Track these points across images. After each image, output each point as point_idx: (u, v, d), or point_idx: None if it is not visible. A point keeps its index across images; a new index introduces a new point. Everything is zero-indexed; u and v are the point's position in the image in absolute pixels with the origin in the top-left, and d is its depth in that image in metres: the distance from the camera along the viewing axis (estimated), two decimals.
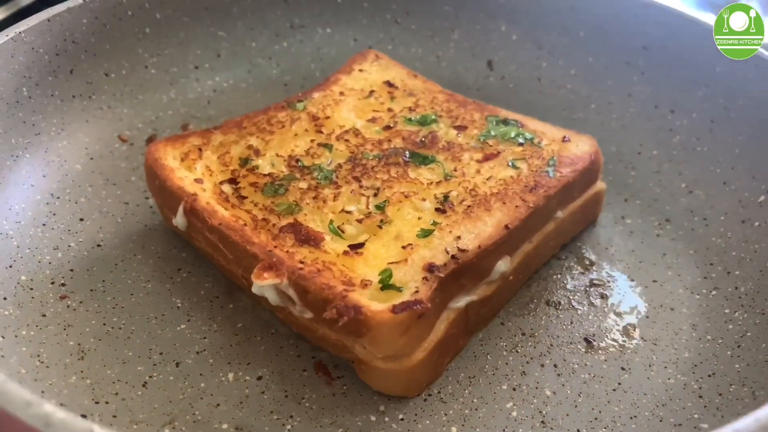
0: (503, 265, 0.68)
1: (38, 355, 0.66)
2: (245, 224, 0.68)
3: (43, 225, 0.78)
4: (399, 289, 0.62)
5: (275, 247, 0.66)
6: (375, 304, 0.61)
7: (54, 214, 0.79)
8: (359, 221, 0.69)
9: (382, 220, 0.69)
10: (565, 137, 0.79)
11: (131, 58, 0.93)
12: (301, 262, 0.64)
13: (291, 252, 0.65)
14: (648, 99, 0.93)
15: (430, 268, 0.64)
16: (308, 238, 0.67)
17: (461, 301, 0.67)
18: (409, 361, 0.63)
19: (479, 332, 0.71)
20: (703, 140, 0.87)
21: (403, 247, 0.66)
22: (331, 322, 0.62)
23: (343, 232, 0.68)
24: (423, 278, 0.63)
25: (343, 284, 0.62)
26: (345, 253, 0.66)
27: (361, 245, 0.66)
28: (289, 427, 0.62)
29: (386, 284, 0.62)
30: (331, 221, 0.69)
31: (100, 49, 0.90)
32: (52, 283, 0.73)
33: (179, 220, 0.72)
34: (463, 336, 0.69)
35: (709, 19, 0.89)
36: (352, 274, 0.64)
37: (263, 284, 0.63)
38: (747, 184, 0.81)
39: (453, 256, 0.65)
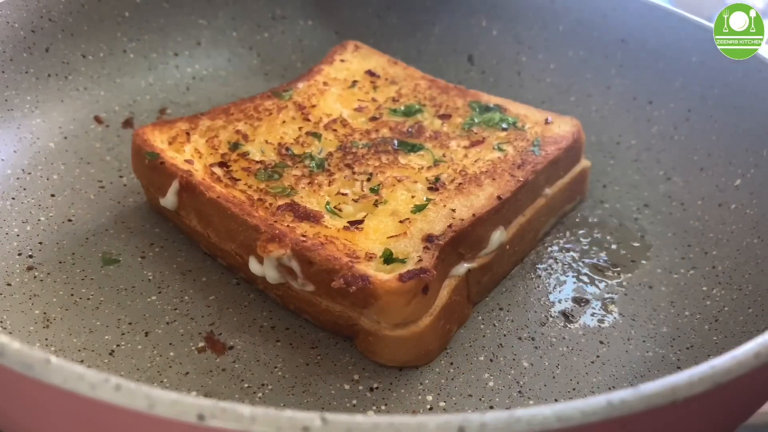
0: (499, 235, 0.69)
1: (0, 322, 0.63)
2: (243, 201, 0.67)
3: (12, 199, 0.76)
4: (403, 261, 0.62)
5: (275, 222, 0.65)
6: (382, 275, 0.60)
7: (24, 189, 0.77)
8: (355, 201, 0.69)
9: (377, 200, 0.69)
10: (547, 119, 0.80)
11: (110, 42, 0.92)
12: (303, 236, 0.63)
13: (292, 227, 0.64)
14: (626, 91, 0.94)
15: (429, 238, 0.64)
16: (307, 215, 0.66)
17: (461, 268, 0.67)
18: (417, 327, 0.62)
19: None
20: (680, 129, 0.87)
21: (401, 222, 0.66)
22: (336, 294, 0.61)
23: (340, 211, 0.68)
24: (424, 248, 0.63)
25: (347, 256, 0.62)
26: (345, 228, 0.65)
27: (360, 221, 0.66)
28: (260, 395, 0.60)
29: (389, 259, 0.62)
30: (328, 202, 0.68)
31: (77, 30, 0.89)
32: (19, 254, 0.71)
33: (170, 198, 0.71)
34: (467, 305, 0.69)
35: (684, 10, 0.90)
36: (355, 247, 0.63)
37: (268, 256, 0.62)
38: (723, 170, 0.81)
39: (450, 225, 0.65)
